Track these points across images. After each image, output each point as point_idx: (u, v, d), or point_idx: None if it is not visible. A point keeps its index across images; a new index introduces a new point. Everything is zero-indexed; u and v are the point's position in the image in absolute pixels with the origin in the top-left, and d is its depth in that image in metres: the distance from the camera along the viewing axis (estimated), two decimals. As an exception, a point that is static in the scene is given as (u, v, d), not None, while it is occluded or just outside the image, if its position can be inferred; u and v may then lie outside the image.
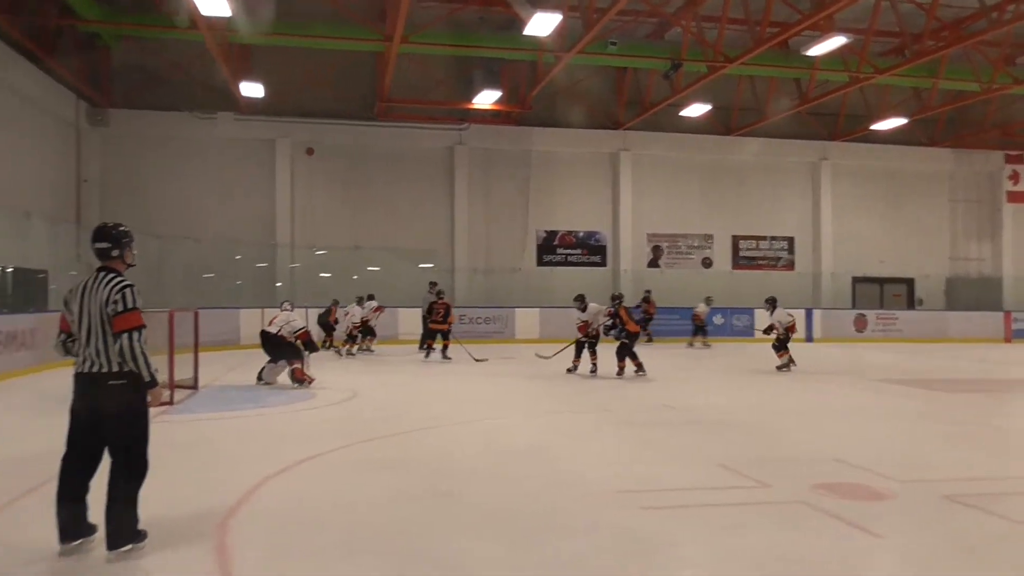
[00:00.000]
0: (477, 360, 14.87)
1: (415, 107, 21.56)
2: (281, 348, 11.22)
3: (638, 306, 21.09)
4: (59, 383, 11.29)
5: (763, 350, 18.55)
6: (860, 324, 23.21)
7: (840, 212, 24.94)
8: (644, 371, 12.60)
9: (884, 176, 25.33)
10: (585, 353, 13.00)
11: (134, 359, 3.98)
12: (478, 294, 22.16)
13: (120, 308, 3.99)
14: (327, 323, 17.68)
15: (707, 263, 24.40)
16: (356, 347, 16.96)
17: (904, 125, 22.08)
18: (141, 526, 4.10)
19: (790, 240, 24.99)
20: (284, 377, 11.29)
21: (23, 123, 16.79)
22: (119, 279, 4.08)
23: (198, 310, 11.46)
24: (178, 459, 6.26)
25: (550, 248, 23.27)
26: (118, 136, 20.27)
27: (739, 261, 24.63)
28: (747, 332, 21.65)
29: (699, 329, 20.24)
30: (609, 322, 12.64)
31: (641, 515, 4.92)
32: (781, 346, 14.09)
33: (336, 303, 17.79)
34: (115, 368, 4.00)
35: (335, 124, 21.39)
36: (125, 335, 3.97)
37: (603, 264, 23.52)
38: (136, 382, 4.02)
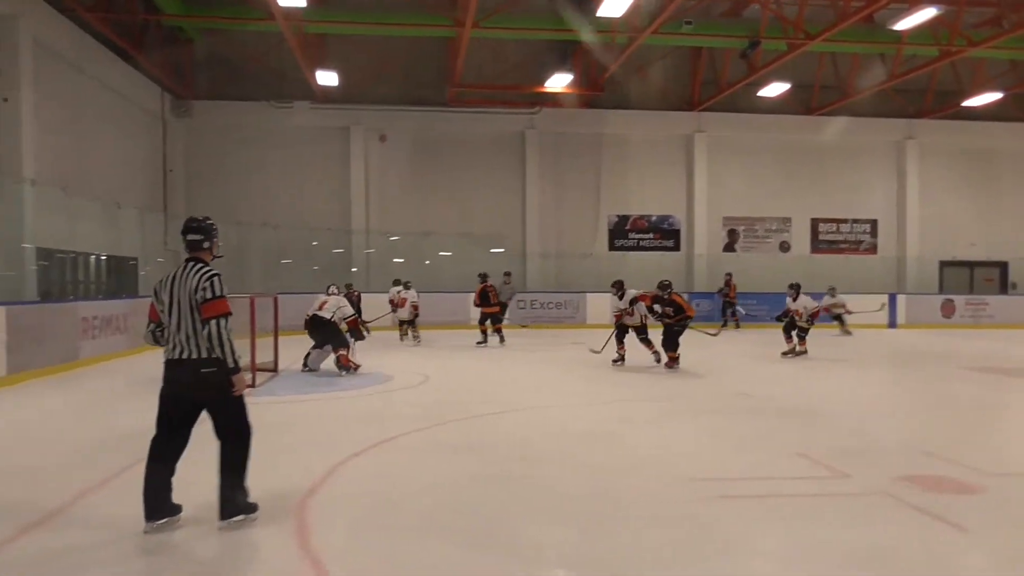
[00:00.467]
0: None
1: (486, 92, 21.61)
2: (329, 334, 10.92)
3: (720, 291, 20.78)
4: (151, 366, 11.84)
5: (842, 338, 18.09)
6: (947, 310, 22.29)
7: (927, 193, 23.95)
8: (660, 362, 11.78)
9: (976, 154, 24.18)
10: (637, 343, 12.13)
11: (220, 345, 4.16)
12: (549, 279, 22.18)
13: (208, 295, 4.18)
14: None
15: (785, 247, 23.80)
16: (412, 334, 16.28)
17: (998, 100, 21.02)
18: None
19: (873, 223, 24.15)
20: (328, 363, 11.16)
21: (114, 117, 17.54)
22: (207, 268, 4.29)
23: (277, 295, 11.84)
24: (259, 440, 6.46)
25: (622, 232, 23.07)
26: (200, 127, 20.98)
27: (818, 245, 23.95)
28: (825, 318, 21.10)
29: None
30: (650, 310, 11.94)
31: (715, 504, 4.88)
32: (801, 333, 13.54)
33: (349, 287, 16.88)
34: (204, 355, 4.19)
35: (407, 111, 21.64)
36: (213, 321, 4.16)
37: (676, 249, 23.20)
38: (223, 367, 4.21)
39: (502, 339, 15.73)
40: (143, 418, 6.76)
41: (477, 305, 15.70)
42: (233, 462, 4.31)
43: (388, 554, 3.99)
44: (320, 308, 11.02)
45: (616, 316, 12.52)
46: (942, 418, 8.20)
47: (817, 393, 9.91)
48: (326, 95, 20.50)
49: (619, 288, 12.47)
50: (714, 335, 14.13)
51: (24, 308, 10.82)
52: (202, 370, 4.19)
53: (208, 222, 4.45)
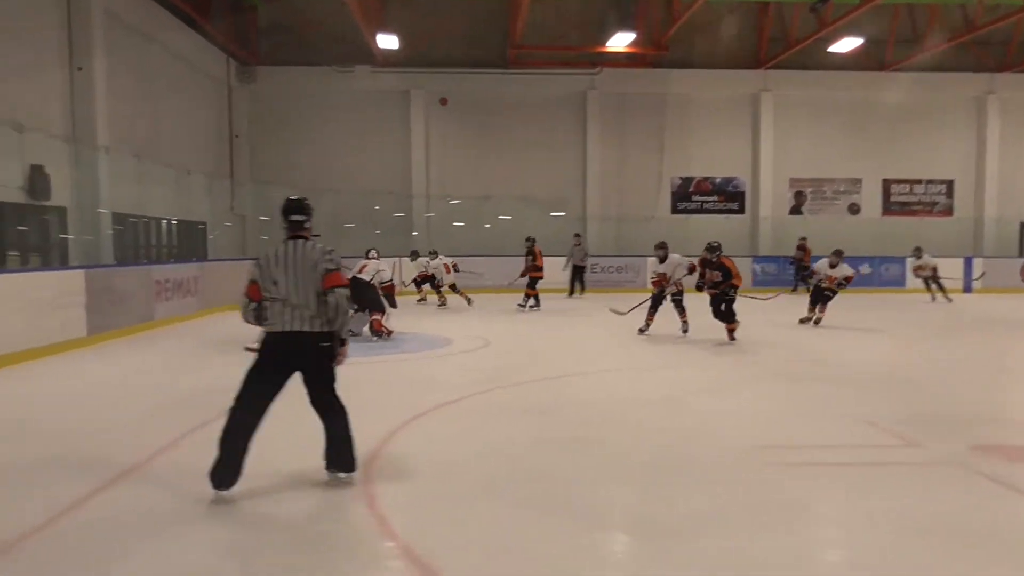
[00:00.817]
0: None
1: (547, 53, 21.36)
2: (367, 297, 10.67)
3: (795, 257, 20.37)
4: (219, 328, 12.21)
5: (916, 301, 17.54)
6: (1028, 273, 21.38)
7: (1008, 151, 22.87)
8: (686, 332, 11.26)
9: (1062, 110, 22.96)
10: (671, 312, 11.37)
11: (340, 315, 4.32)
12: (610, 242, 22.01)
13: (332, 267, 4.35)
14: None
15: (854, 209, 23.11)
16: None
17: (1088, 52, 19.89)
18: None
19: (949, 183, 23.22)
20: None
21: (182, 84, 17.91)
22: (319, 244, 4.46)
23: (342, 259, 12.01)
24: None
25: (685, 195, 22.69)
26: (264, 92, 21.28)
27: (890, 207, 23.17)
28: (898, 282, 20.49)
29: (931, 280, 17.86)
30: (687, 274, 11.10)
31: (779, 470, 4.82)
32: (826, 300, 12.87)
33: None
34: (321, 327, 4.34)
35: (467, 73, 21.54)
36: (335, 292, 4.30)
37: (741, 211, 22.74)
38: (336, 339, 4.41)
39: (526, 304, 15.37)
40: (214, 377, 7.00)
41: (539, 269, 15.61)
42: (345, 430, 4.51)
43: (452, 517, 4.05)
44: (360, 271, 10.92)
45: (654, 282, 11.54)
46: (1021, 387, 7.92)
47: (888, 361, 9.66)
48: (386, 59, 20.55)
49: (662, 250, 11.45)
50: (766, 300, 13.80)
51: (102, 271, 11.23)
52: (321, 343, 4.34)
53: (306, 202, 4.59)
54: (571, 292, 18.94)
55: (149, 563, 3.49)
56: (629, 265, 20.71)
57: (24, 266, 11.87)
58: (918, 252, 17.82)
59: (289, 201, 4.55)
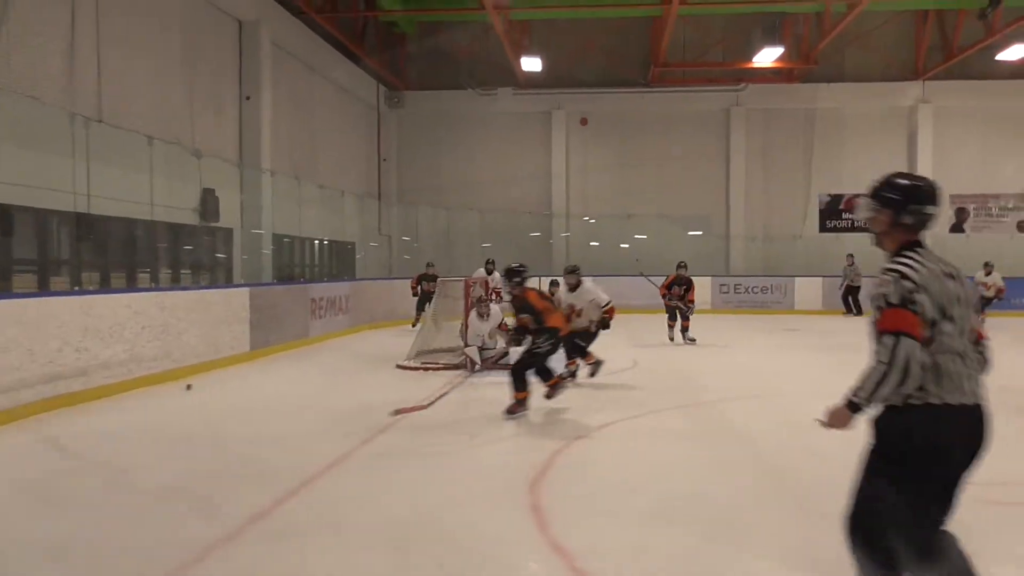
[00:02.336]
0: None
1: (690, 70, 20.96)
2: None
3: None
4: (369, 345, 12.56)
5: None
6: None
7: None
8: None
9: None
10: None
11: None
12: (755, 262, 21.24)
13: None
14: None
15: (1023, 227, 21.29)
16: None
17: None
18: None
19: None
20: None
21: (337, 110, 18.80)
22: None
23: (488, 278, 12.14)
24: (482, 422, 6.69)
25: (834, 213, 21.61)
26: (411, 116, 21.99)
27: (1067, 224, 21.21)
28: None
29: None
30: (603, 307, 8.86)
31: (983, 510, 4.36)
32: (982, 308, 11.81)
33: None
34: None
35: (608, 93, 21.46)
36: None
37: (896, 230, 21.38)
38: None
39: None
40: (372, 394, 7.14)
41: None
42: None
43: (627, 541, 3.90)
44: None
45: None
46: None
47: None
48: (529, 80, 20.75)
49: (573, 276, 9.08)
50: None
51: (264, 289, 11.82)
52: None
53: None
54: (847, 311, 18.27)
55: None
56: (775, 285, 19.87)
57: (196, 284, 12.67)
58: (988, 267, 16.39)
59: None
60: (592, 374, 8.78)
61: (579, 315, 8.84)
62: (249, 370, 10.02)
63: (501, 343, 9.39)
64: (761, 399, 8.02)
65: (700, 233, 21.30)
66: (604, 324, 8.84)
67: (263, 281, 13.55)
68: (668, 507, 4.43)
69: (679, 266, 12.91)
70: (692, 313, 12.83)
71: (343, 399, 7.92)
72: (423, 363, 10.05)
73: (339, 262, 18.68)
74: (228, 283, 13.17)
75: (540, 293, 7.34)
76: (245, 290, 11.03)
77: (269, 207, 14.32)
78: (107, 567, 3.67)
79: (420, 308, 14.63)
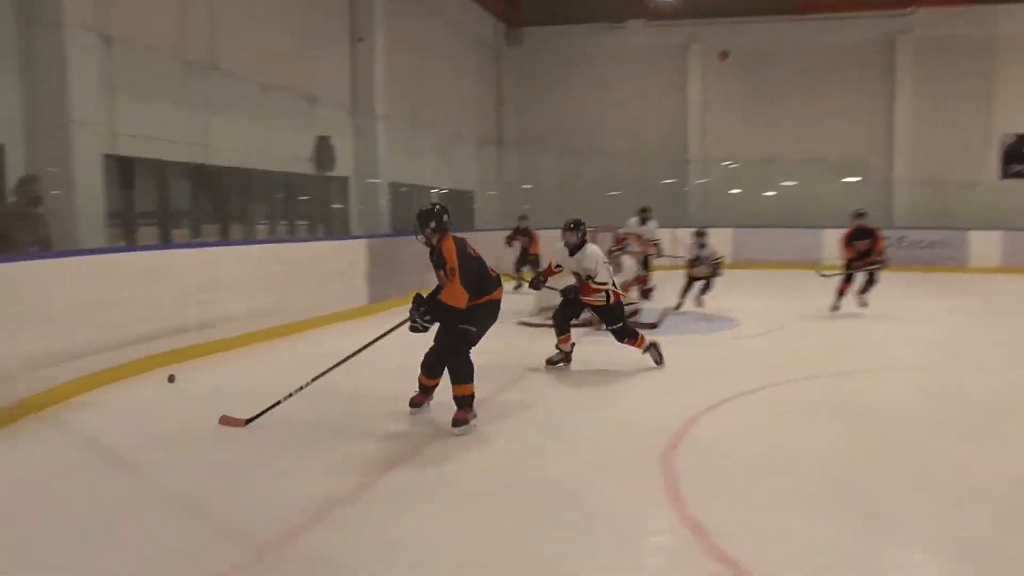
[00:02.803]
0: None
1: (847, -6, 19.84)
2: None
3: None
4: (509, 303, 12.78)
5: None
6: None
7: None
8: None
9: None
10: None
11: None
12: (921, 212, 20.02)
13: None
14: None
15: None
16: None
17: None
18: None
19: None
20: None
21: (453, 51, 18.94)
22: None
23: (617, 228, 12.05)
24: (609, 384, 6.72)
25: (1019, 155, 20.06)
26: (532, 55, 21.89)
27: None
28: None
29: None
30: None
31: None
32: None
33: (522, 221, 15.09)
34: None
35: (752, 22, 20.62)
36: None
37: (1097, 173, 19.70)
38: None
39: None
40: (497, 348, 7.30)
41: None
42: None
43: (761, 522, 3.85)
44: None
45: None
46: None
47: None
48: (662, 11, 20.20)
49: (574, 232, 7.47)
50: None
51: (382, 241, 12.17)
52: None
53: None
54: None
55: (429, 537, 3.67)
56: (945, 239, 18.72)
57: (312, 235, 13.19)
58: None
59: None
60: (656, 360, 7.54)
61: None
62: (368, 324, 10.34)
63: (634, 298, 9.36)
64: (918, 371, 7.66)
65: (857, 179, 20.30)
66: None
67: (380, 232, 13.95)
68: (806, 488, 4.33)
69: (858, 214, 11.17)
70: (884, 268, 11.05)
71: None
72: (545, 319, 10.12)
73: (456, 212, 18.92)
74: (345, 235, 13.64)
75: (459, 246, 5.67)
76: (362, 242, 11.40)
77: (384, 155, 14.67)
78: (242, 515, 3.95)
79: (517, 267, 14.54)
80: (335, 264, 10.50)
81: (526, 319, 10.27)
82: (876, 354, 8.51)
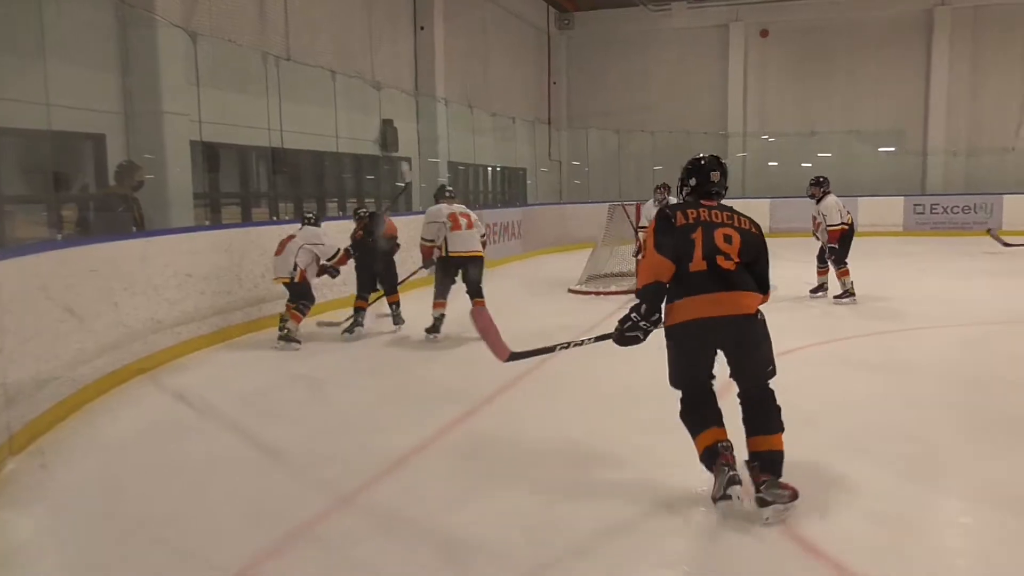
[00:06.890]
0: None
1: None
2: None
3: None
4: (540, 270, 12.76)
5: None
6: None
7: None
8: None
9: None
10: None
11: None
12: (956, 179, 19.37)
13: None
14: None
15: None
16: None
17: None
18: None
19: None
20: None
21: (508, 35, 18.81)
22: None
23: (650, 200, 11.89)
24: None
25: (1055, 121, 19.20)
26: (581, 38, 21.61)
27: None
28: None
29: None
30: None
31: None
32: None
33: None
34: None
35: (792, 0, 19.99)
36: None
37: None
38: None
39: None
40: (548, 317, 7.32)
41: None
42: None
43: (812, 472, 3.78)
44: None
45: None
46: None
47: None
48: (704, -7, 19.72)
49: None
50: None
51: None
52: None
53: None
54: None
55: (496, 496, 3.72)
56: (979, 204, 18.08)
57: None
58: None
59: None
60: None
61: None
62: (429, 295, 10.47)
63: None
64: (959, 328, 7.46)
65: (892, 149, 19.70)
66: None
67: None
68: (856, 439, 4.29)
69: None
70: None
71: (518, 323, 8.13)
72: (595, 288, 10.16)
73: (511, 188, 18.97)
74: (408, 211, 13.73)
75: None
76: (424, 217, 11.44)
77: (444, 136, 14.71)
78: (315, 470, 4.08)
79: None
80: (400, 237, 10.57)
81: (575, 287, 10.27)
82: (921, 311, 8.30)
